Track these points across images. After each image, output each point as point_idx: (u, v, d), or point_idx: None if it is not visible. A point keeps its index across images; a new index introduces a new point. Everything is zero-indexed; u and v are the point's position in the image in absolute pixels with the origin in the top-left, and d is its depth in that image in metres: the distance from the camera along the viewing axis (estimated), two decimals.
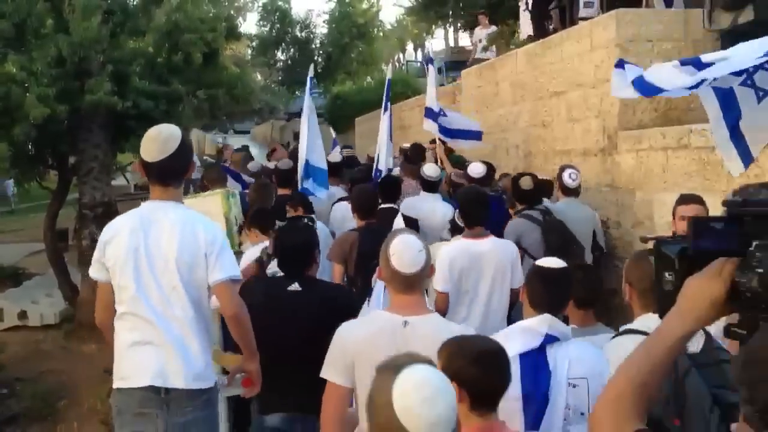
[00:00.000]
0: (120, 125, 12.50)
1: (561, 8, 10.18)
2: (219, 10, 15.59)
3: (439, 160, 8.24)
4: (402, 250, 2.94)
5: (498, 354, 2.46)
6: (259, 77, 33.48)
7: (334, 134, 14.73)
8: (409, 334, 2.83)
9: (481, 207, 4.98)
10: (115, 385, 3.27)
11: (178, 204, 3.34)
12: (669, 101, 6.74)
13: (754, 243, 1.54)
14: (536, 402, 2.81)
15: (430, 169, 6.72)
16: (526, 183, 5.96)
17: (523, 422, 2.80)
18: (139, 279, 3.19)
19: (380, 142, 8.00)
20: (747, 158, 4.15)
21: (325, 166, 7.58)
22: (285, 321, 3.70)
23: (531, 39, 10.65)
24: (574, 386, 2.81)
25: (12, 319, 13.28)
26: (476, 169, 6.97)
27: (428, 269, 3.04)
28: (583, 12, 8.73)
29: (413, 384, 1.71)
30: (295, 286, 3.75)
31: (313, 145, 7.58)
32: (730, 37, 6.34)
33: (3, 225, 25.15)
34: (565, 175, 6.22)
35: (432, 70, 9.21)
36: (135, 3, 13.47)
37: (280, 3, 35.91)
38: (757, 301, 1.54)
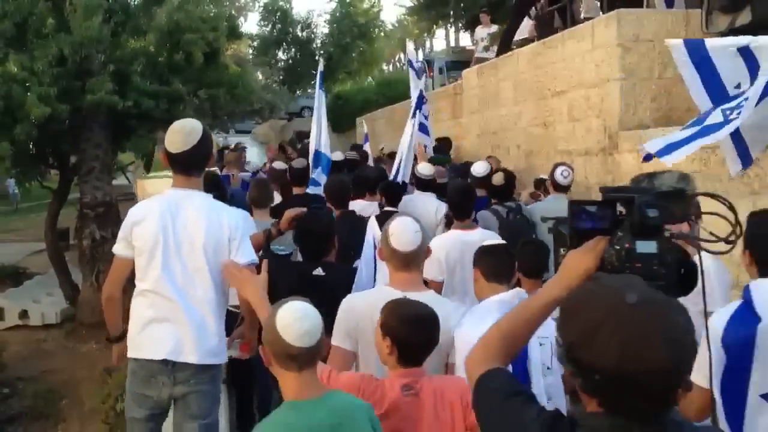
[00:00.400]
0: (121, 125, 12.50)
1: (562, 8, 10.19)
2: (220, 10, 15.56)
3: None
4: (401, 231, 3.26)
5: (427, 318, 2.81)
6: (260, 77, 33.43)
7: (366, 129, 14.23)
8: None
9: (470, 199, 5.29)
10: (129, 354, 3.54)
11: (201, 192, 3.57)
12: (670, 101, 6.75)
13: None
14: (519, 362, 3.21)
15: (424, 168, 6.71)
16: (497, 179, 6.15)
17: None
18: (166, 260, 3.41)
19: (402, 152, 7.78)
20: (746, 159, 4.14)
21: (329, 154, 8.02)
22: (313, 302, 3.95)
23: (526, 41, 10.67)
24: (541, 344, 3.28)
25: (13, 319, 13.29)
26: (479, 168, 6.98)
27: (424, 249, 3.34)
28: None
29: (289, 310, 2.46)
30: (318, 271, 4.09)
31: (320, 134, 8.02)
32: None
33: (4, 224, 25.18)
34: (558, 172, 6.31)
35: (413, 75, 8.77)
36: (136, 2, 13.46)
37: (281, 3, 35.87)
38: (615, 272, 1.83)
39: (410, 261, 3.26)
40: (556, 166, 6.49)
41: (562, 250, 2.04)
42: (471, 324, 3.10)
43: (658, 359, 1.47)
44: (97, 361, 10.77)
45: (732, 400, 2.78)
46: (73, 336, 12.49)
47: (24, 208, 26.80)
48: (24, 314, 13.32)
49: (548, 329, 3.03)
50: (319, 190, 7.05)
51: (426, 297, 3.12)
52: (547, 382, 3.32)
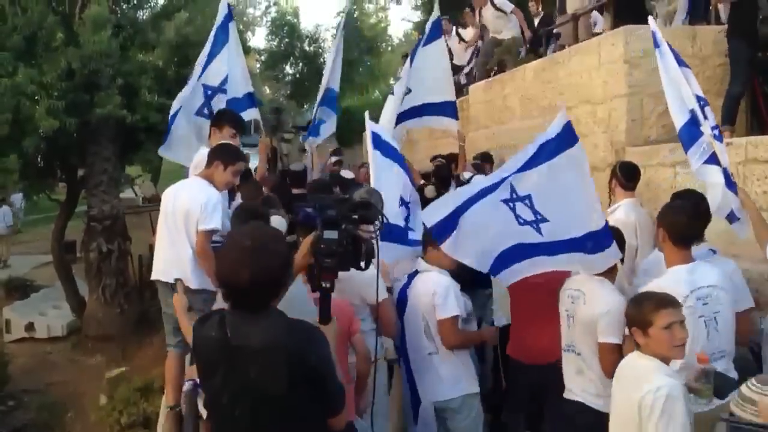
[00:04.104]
0: (129, 138, 12.54)
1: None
2: None
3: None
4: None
5: None
6: (267, 91, 33.58)
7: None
8: None
9: None
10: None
11: (202, 180, 4.99)
12: None
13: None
14: (402, 301, 4.61)
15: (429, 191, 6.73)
16: (429, 192, 6.53)
17: (396, 317, 4.54)
18: (165, 219, 5.01)
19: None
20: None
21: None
22: None
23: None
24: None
25: (19, 331, 13.30)
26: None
27: None
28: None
29: None
30: None
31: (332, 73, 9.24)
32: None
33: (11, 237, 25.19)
34: None
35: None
36: (145, 17, 13.55)
37: (288, 17, 36.06)
38: (316, 252, 2.94)
39: None
40: None
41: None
42: None
43: (243, 283, 2.44)
44: (102, 374, 10.77)
45: None
46: (79, 349, 12.50)
47: (31, 221, 26.68)
48: (30, 327, 13.33)
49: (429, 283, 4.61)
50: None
51: None
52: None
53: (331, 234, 2.91)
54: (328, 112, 9.32)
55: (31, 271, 18.27)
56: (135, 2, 13.75)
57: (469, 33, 12.84)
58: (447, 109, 8.13)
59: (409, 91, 7.71)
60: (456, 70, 12.49)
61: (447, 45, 12.98)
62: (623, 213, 5.37)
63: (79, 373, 11.43)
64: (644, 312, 3.18)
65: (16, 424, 10.05)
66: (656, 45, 4.51)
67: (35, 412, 10.33)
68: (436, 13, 8.14)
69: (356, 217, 3.12)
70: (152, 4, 14.02)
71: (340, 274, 3.23)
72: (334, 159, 11.18)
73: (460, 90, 12.00)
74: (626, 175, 5.62)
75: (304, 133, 12.54)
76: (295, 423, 2.52)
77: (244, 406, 2.52)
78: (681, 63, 4.39)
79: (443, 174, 7.58)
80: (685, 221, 3.80)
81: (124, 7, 13.56)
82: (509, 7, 10.53)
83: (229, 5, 7.48)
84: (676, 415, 2.95)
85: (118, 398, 9.03)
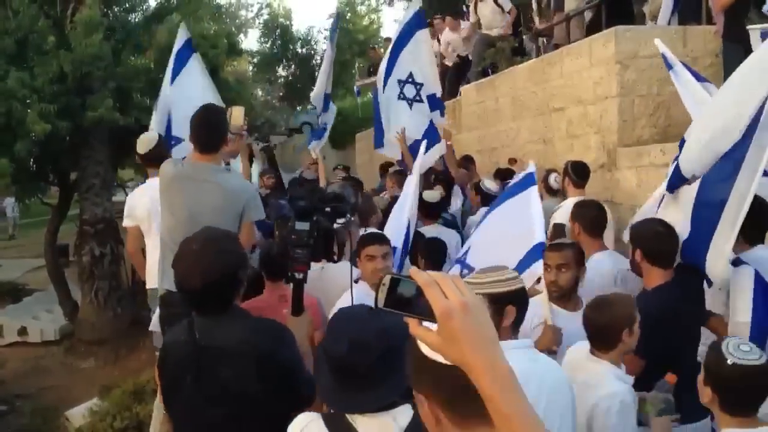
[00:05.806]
0: (121, 141, 12.51)
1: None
2: (220, 27, 15.61)
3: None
4: None
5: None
6: (260, 93, 33.59)
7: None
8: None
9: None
10: None
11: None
12: (669, 118, 6.76)
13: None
14: None
15: (429, 195, 6.58)
16: (430, 196, 6.39)
17: None
18: None
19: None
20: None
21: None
22: None
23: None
24: None
25: (12, 335, 13.25)
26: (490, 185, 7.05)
27: None
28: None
29: None
30: None
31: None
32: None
33: (3, 241, 25.15)
34: (551, 178, 6.82)
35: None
36: (137, 20, 13.52)
37: (281, 20, 36.06)
38: (287, 242, 3.07)
39: None
40: (548, 172, 6.89)
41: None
42: None
43: (196, 285, 2.48)
44: (95, 379, 10.73)
45: None
46: (72, 353, 12.45)
47: (24, 225, 26.63)
48: (23, 331, 13.29)
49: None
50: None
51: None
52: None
53: (302, 225, 2.97)
54: (329, 116, 9.46)
55: (24, 275, 18.23)
56: (127, 5, 13.73)
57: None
58: (438, 103, 8.02)
59: (420, 84, 7.68)
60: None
61: (437, 44, 13.06)
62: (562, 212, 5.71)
63: (72, 378, 11.39)
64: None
65: (9, 429, 10.00)
66: (669, 67, 4.71)
67: (28, 417, 10.29)
68: (417, 3, 7.93)
69: (329, 209, 3.15)
70: (144, 7, 14.00)
71: (326, 279, 3.22)
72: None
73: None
74: (577, 174, 6.06)
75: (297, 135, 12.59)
76: (267, 419, 2.53)
77: (217, 406, 2.53)
78: (700, 79, 4.55)
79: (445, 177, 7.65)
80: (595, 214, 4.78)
81: (116, 10, 13.53)
82: (508, 5, 10.58)
83: (188, 39, 7.28)
84: (629, 421, 2.85)
85: (110, 402, 9.00)
